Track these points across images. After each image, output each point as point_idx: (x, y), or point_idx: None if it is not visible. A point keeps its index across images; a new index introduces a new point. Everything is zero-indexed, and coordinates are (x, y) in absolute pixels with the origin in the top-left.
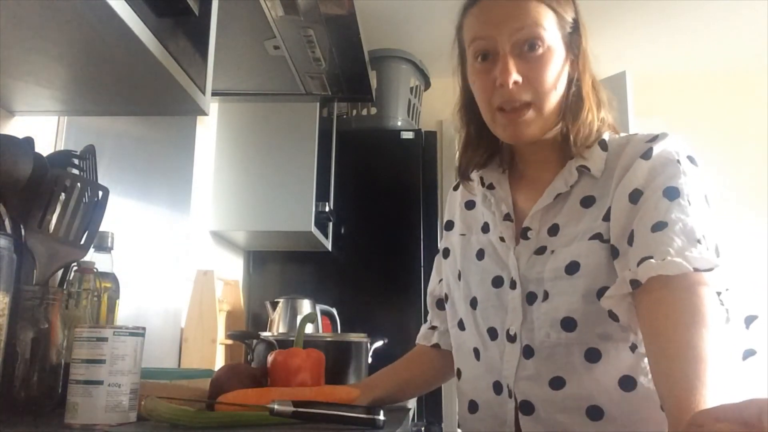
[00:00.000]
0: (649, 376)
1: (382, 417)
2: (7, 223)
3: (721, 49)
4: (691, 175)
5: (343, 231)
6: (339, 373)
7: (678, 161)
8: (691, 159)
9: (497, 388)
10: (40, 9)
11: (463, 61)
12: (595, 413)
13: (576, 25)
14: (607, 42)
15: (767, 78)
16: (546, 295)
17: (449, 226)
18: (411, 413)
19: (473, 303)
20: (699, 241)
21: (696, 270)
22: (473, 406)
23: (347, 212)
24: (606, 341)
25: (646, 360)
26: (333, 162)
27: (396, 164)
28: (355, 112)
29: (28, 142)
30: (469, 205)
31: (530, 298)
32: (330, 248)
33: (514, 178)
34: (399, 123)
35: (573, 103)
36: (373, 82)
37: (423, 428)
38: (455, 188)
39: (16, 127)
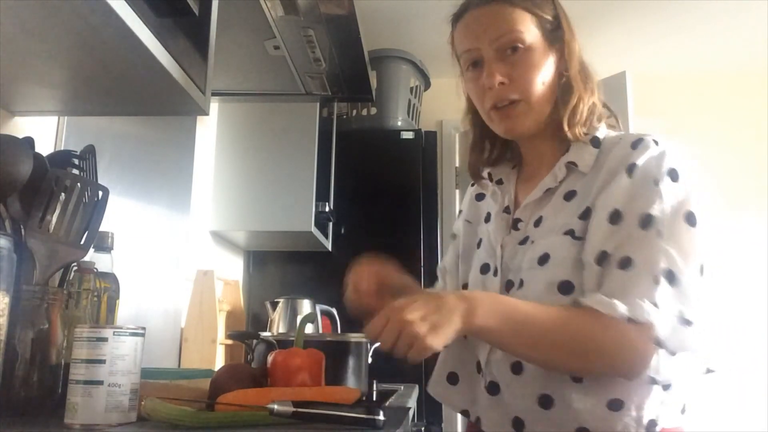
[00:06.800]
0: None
1: (382, 417)
2: (7, 223)
3: (721, 49)
4: (669, 197)
5: (343, 231)
6: (339, 373)
7: (657, 182)
8: (672, 173)
9: (478, 367)
10: (40, 9)
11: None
12: (546, 402)
13: (557, 21)
14: (607, 42)
15: (767, 78)
16: (521, 284)
17: (460, 213)
18: (411, 413)
19: (464, 288)
20: (658, 282)
21: (630, 320)
22: (453, 378)
23: (347, 212)
24: None
25: None
26: (333, 162)
27: (396, 164)
28: (355, 112)
29: (28, 142)
30: (479, 197)
31: (508, 285)
32: (330, 248)
33: (522, 174)
34: (399, 123)
35: (563, 92)
36: (373, 82)
37: (423, 428)
38: (472, 184)
39: (16, 127)
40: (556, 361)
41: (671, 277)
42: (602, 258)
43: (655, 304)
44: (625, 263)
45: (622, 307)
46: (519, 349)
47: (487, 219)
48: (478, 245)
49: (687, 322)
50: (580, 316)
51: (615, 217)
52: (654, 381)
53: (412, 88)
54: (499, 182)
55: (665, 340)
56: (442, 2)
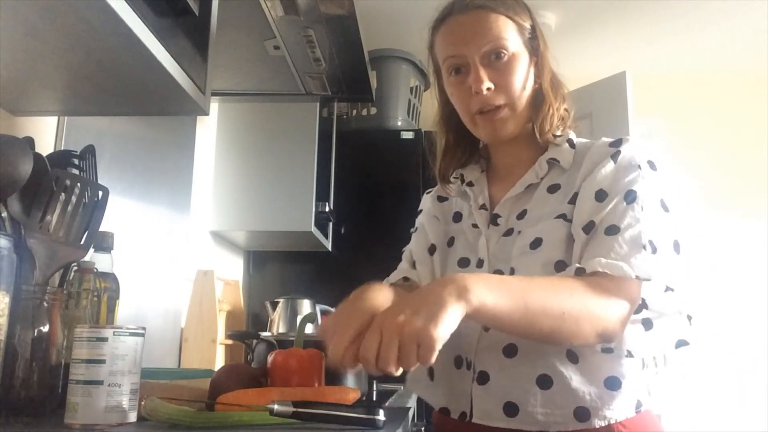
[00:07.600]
0: (595, 348)
1: (382, 417)
2: (7, 223)
3: (721, 49)
4: (649, 179)
5: (343, 231)
6: (339, 373)
7: (639, 166)
8: (650, 164)
9: (458, 362)
10: (40, 9)
11: (439, 76)
12: (545, 382)
13: (534, 32)
14: (607, 42)
15: (767, 78)
16: (512, 272)
17: (420, 211)
18: (411, 413)
19: None
20: (644, 247)
21: (637, 278)
22: (430, 373)
23: (347, 212)
24: None
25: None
26: (333, 162)
27: (396, 164)
28: (355, 112)
29: (28, 142)
30: (441, 199)
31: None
32: (330, 248)
33: (492, 176)
34: (399, 123)
35: (536, 100)
36: (373, 82)
37: (423, 428)
38: (428, 192)
39: (16, 127)
40: (561, 328)
41: (654, 247)
42: (590, 227)
43: (642, 267)
44: (612, 230)
45: (626, 267)
46: (524, 321)
47: (456, 218)
48: (449, 244)
49: (668, 288)
50: (571, 280)
51: (601, 195)
52: (629, 354)
53: (412, 88)
54: (470, 184)
55: (648, 301)
56: (442, 2)
